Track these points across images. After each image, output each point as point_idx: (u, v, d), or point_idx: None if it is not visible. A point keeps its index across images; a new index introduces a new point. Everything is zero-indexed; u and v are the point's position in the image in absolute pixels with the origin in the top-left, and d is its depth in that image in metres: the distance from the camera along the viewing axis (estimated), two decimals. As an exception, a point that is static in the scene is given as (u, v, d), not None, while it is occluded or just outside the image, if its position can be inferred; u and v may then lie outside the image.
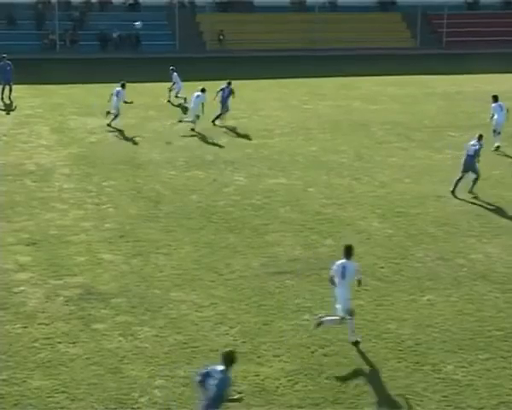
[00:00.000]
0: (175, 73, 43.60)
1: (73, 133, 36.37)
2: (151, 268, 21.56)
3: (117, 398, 15.58)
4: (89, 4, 67.57)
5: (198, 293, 20.09)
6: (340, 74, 54.09)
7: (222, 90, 38.67)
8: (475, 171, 28.27)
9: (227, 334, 18.02)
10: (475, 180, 28.35)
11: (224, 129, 37.39)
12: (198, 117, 36.84)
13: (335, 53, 64.61)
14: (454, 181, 28.15)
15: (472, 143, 28.57)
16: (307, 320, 18.63)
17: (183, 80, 43.26)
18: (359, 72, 55.15)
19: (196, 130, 36.63)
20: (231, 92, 38.71)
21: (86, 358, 16.99)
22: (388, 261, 22.16)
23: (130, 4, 68.49)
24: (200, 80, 45.28)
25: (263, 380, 16.14)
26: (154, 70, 53.13)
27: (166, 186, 28.65)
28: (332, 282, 17.86)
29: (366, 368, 16.62)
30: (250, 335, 17.96)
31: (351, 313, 17.49)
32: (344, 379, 16.19)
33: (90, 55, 61.29)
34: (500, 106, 34.78)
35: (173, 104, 42.87)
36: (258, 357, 17.03)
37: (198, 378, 13.48)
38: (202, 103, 36.70)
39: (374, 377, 16.24)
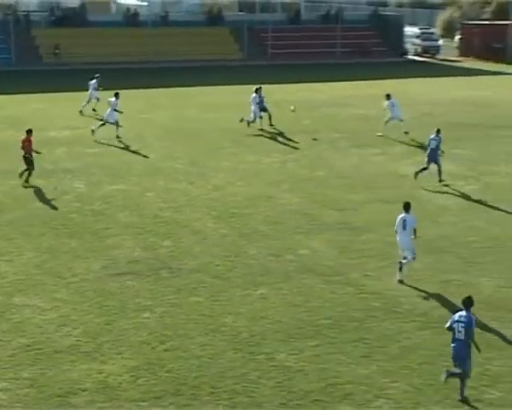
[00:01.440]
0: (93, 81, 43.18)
1: None
2: (-7, 275, 20.92)
3: (-39, 403, 15.02)
4: None
5: (41, 297, 19.61)
6: (174, 85, 54.15)
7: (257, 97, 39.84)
8: (438, 162, 29.69)
9: (70, 335, 17.66)
10: (439, 171, 29.65)
11: (63, 139, 36.69)
12: (261, 117, 39.54)
13: (169, 65, 64.65)
14: (419, 168, 29.82)
15: (432, 137, 29.98)
16: (148, 318, 18.52)
17: (20, 92, 42.16)
18: (192, 83, 55.38)
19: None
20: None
21: None
22: (224, 259, 22.27)
23: (-35, 18, 66.33)
24: (36, 92, 44.47)
25: (106, 377, 15.91)
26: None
27: (7, 195, 27.88)
28: (396, 232, 20.93)
29: (205, 360, 16.63)
30: (93, 334, 17.68)
31: (414, 256, 20.83)
32: (184, 372, 16.15)
33: None
34: (392, 103, 37.67)
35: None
36: (102, 355, 16.78)
37: (447, 325, 15.44)
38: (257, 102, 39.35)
39: (212, 369, 16.27)
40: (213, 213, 26.43)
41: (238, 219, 25.79)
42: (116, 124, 36.93)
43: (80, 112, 42.79)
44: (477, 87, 56.81)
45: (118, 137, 36.81)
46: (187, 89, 53.26)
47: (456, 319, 15.36)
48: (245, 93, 51.84)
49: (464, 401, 15.19)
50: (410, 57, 78.14)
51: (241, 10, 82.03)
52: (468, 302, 15.45)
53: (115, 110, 37.04)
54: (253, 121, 39.46)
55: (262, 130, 39.05)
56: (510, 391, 15.45)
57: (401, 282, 20.60)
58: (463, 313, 15.38)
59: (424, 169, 30.04)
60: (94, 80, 43.51)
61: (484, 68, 69.44)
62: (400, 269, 20.76)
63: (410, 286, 20.46)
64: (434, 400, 15.16)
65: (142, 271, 21.33)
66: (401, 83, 58.24)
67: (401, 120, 38.00)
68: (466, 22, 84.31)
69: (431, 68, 70.41)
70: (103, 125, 37.08)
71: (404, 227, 20.73)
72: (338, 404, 15.01)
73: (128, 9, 75.19)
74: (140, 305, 19.23)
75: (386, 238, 24.03)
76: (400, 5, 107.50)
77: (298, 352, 17.02)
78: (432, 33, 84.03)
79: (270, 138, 38.04)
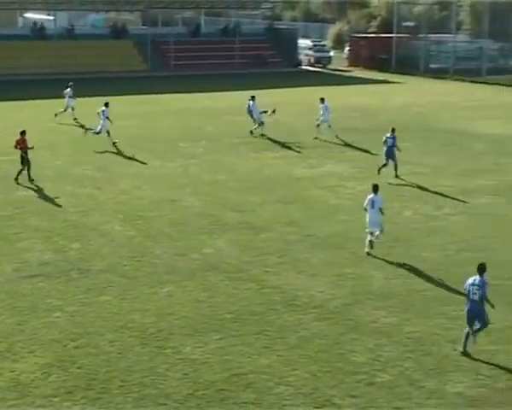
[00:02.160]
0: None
1: None
2: None
3: None
4: None
5: (-47, 301, 19.09)
6: (81, 96, 53.29)
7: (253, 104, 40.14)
8: (394, 159, 31.24)
9: (-17, 336, 17.25)
10: (396, 166, 31.35)
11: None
12: (263, 123, 39.34)
13: (76, 77, 63.46)
14: (381, 165, 31.23)
15: (388, 136, 31.44)
16: (59, 317, 18.20)
17: None
18: (99, 93, 54.59)
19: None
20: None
21: None
22: (131, 260, 22.08)
23: None
24: None
25: (18, 375, 15.55)
26: None
27: None
28: (366, 210, 22.64)
29: (114, 356, 16.45)
30: (5, 335, 17.26)
31: (382, 229, 22.60)
32: (94, 367, 15.93)
33: None
34: (326, 107, 39.01)
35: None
36: (14, 354, 16.41)
37: (467, 288, 16.61)
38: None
39: (121, 363, 16.09)
40: (120, 216, 26.18)
41: (144, 222, 25.61)
42: (107, 133, 37.03)
43: (55, 115, 43.42)
44: (365, 95, 57.85)
45: (114, 143, 36.90)
46: (93, 99, 52.49)
47: (470, 283, 16.57)
48: (149, 103, 51.74)
49: (466, 354, 16.57)
50: (303, 67, 79.02)
51: (144, 24, 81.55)
52: (481, 268, 16.60)
53: (107, 118, 37.19)
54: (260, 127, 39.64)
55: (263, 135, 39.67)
56: (400, 374, 15.76)
57: (369, 254, 22.37)
58: (477, 277, 16.49)
59: (384, 165, 31.32)
60: (68, 89, 43.79)
61: (371, 77, 70.72)
62: (371, 243, 22.56)
63: (306, 280, 20.69)
64: (331, 384, 15.35)
65: (52, 272, 20.96)
66: (296, 91, 58.92)
67: (329, 126, 39.19)
68: (354, 35, 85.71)
69: (323, 78, 71.25)
70: (109, 135, 37.08)
71: (373, 206, 22.45)
72: (241, 392, 15.05)
73: (35, 23, 73.87)
74: (51, 305, 18.89)
75: (284, 236, 24.29)
76: (294, 19, 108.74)
77: (203, 345, 17.00)
78: (323, 45, 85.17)
79: (173, 144, 37.88)
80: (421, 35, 76.01)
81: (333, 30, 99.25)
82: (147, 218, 26.03)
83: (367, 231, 22.67)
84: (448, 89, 63.38)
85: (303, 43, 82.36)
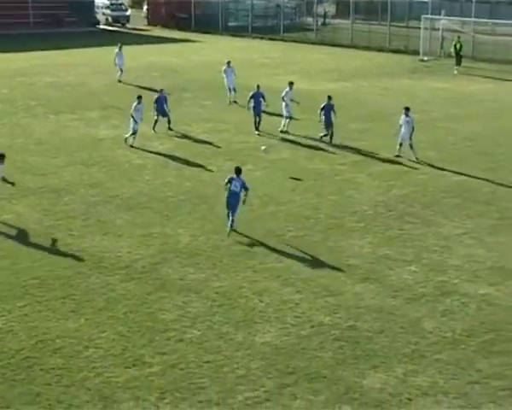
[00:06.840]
0: None
1: None
2: None
3: None
4: None
5: None
6: None
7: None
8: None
9: None
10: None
11: None
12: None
13: None
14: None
15: (253, 93, 33.12)
16: None
17: None
18: None
19: None
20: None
21: None
22: None
23: None
24: None
25: None
26: None
27: None
28: (400, 126, 28.68)
29: None
30: None
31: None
32: None
33: None
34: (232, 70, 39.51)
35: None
36: None
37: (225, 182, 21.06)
38: None
39: None
40: None
41: None
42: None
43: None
44: (166, 54, 57.65)
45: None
46: None
47: (234, 177, 20.79)
48: None
49: (234, 230, 20.99)
50: (101, 27, 77.69)
51: None
52: (238, 170, 20.89)
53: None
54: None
55: None
56: (208, 329, 16.02)
57: (398, 156, 28.85)
58: (236, 177, 20.80)
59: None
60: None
61: (171, 36, 70.56)
62: (400, 146, 28.88)
63: (112, 242, 20.53)
64: (140, 344, 15.37)
65: None
66: (93, 51, 57.80)
67: (234, 90, 38.96)
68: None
69: (122, 37, 69.97)
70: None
71: (408, 123, 28.38)
72: (49, 358, 14.79)
73: None
74: None
75: (88, 198, 23.97)
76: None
77: (6, 313, 16.53)
78: (121, 4, 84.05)
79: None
80: (219, -7, 76.63)
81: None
82: None
83: (399, 141, 28.64)
84: (247, 47, 64.37)
85: (100, 2, 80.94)
